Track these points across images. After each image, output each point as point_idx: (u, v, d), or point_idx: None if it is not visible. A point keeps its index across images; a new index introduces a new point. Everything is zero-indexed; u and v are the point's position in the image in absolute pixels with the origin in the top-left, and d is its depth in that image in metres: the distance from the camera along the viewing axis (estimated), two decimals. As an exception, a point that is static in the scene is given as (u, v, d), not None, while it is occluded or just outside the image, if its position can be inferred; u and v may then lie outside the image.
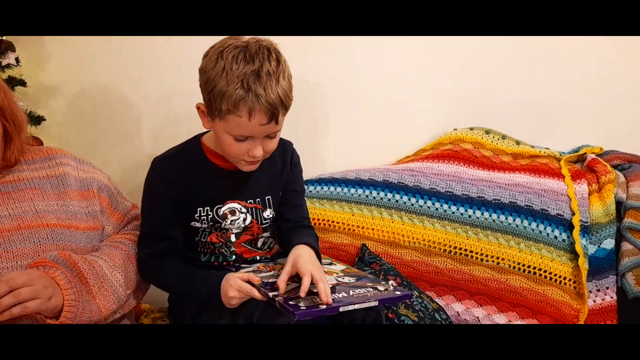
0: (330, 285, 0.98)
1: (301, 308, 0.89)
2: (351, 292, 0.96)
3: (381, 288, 1.00)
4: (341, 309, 0.90)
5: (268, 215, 1.16)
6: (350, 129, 1.67)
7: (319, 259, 1.05)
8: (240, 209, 1.12)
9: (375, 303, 0.94)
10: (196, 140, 1.14)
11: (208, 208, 1.10)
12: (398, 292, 0.99)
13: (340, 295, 0.94)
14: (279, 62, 0.97)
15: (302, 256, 0.99)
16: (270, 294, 0.95)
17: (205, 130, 1.13)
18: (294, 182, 1.21)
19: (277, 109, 0.96)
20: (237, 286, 0.99)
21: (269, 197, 1.16)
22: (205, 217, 1.10)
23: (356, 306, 0.91)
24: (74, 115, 1.66)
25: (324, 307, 0.90)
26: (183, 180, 1.08)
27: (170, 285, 1.12)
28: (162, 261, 1.09)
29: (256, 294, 0.98)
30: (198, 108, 1.04)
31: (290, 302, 0.91)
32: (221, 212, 1.10)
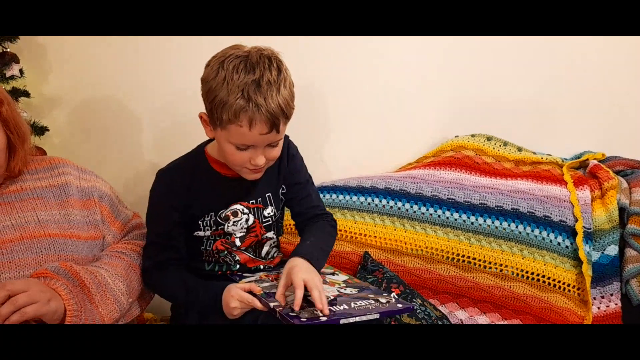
0: (332, 297, 0.98)
1: (302, 320, 0.89)
2: (352, 305, 0.96)
3: (383, 300, 0.99)
4: (342, 322, 0.90)
5: (269, 213, 1.16)
6: (352, 137, 1.67)
7: (320, 261, 1.06)
8: (243, 209, 1.12)
9: (377, 316, 0.94)
10: (200, 149, 1.15)
11: (212, 213, 1.11)
12: (400, 305, 0.98)
13: (342, 308, 0.94)
14: (280, 71, 0.97)
15: (296, 266, 0.98)
16: (272, 305, 0.95)
17: (208, 139, 1.14)
18: (295, 175, 1.19)
19: (278, 118, 0.96)
20: (238, 296, 1.00)
21: (269, 194, 1.15)
22: (208, 220, 1.11)
23: (357, 319, 0.91)
24: (77, 125, 1.67)
25: (325, 319, 0.90)
26: (187, 191, 1.09)
27: (173, 296, 1.13)
28: (165, 271, 1.10)
29: (257, 304, 0.98)
30: (201, 117, 1.05)
31: (291, 314, 0.91)
32: (223, 215, 1.11)
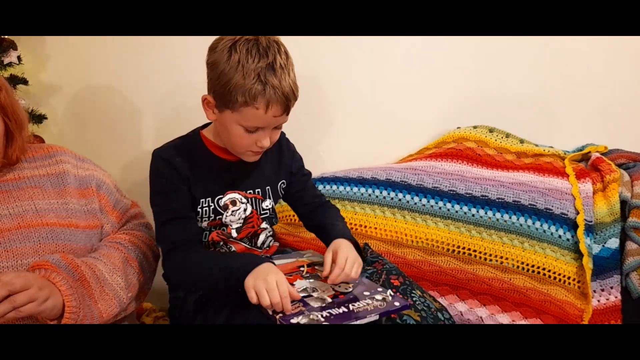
0: (330, 300, 0.99)
1: (303, 325, 0.89)
2: (351, 307, 0.96)
3: (379, 297, 1.00)
4: None
5: (267, 206, 1.17)
6: (353, 128, 1.67)
7: (354, 239, 1.13)
8: (241, 199, 1.13)
9: (376, 317, 0.94)
10: (195, 133, 1.15)
11: (209, 199, 1.10)
12: (397, 303, 0.99)
13: (341, 311, 0.94)
14: (287, 56, 1.01)
15: (340, 245, 1.06)
16: (270, 311, 0.94)
17: (203, 124, 1.14)
18: (302, 167, 1.25)
19: (290, 100, 1.00)
20: (281, 280, 0.93)
21: (269, 187, 1.17)
22: (207, 209, 1.10)
23: (357, 322, 0.92)
24: (75, 114, 1.66)
25: (327, 324, 0.90)
26: (186, 168, 1.08)
27: (207, 274, 1.03)
28: (191, 251, 1.05)
29: (286, 303, 0.92)
30: (204, 100, 1.04)
31: (292, 321, 0.90)
32: (222, 203, 1.11)
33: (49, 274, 0.90)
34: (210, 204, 1.10)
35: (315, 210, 1.24)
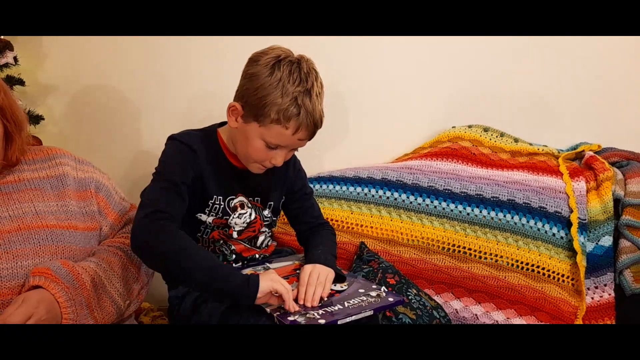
0: (326, 298, 1.01)
1: (301, 325, 0.91)
2: (346, 304, 0.99)
3: (373, 294, 1.03)
4: (339, 322, 0.92)
5: (267, 215, 1.19)
6: (349, 128, 1.67)
7: (333, 261, 1.12)
8: (247, 203, 1.15)
9: (371, 312, 0.97)
10: (213, 129, 1.15)
11: (221, 197, 1.11)
12: (391, 298, 1.01)
13: (337, 308, 0.97)
14: (322, 85, 1.05)
15: (305, 268, 1.06)
16: (268, 309, 0.96)
17: (220, 122, 1.15)
18: (304, 186, 1.26)
19: (317, 127, 1.04)
20: (281, 283, 0.96)
21: (271, 202, 1.19)
22: (217, 206, 1.11)
23: (353, 317, 0.94)
24: (73, 114, 1.66)
25: (323, 322, 0.91)
26: (203, 157, 1.07)
27: (189, 267, 0.94)
28: (173, 226, 0.96)
29: (288, 302, 0.96)
30: (230, 107, 1.05)
31: (289, 318, 0.93)
32: (232, 204, 1.12)
33: (48, 284, 0.89)
34: (222, 202, 1.11)
35: (308, 231, 1.24)
